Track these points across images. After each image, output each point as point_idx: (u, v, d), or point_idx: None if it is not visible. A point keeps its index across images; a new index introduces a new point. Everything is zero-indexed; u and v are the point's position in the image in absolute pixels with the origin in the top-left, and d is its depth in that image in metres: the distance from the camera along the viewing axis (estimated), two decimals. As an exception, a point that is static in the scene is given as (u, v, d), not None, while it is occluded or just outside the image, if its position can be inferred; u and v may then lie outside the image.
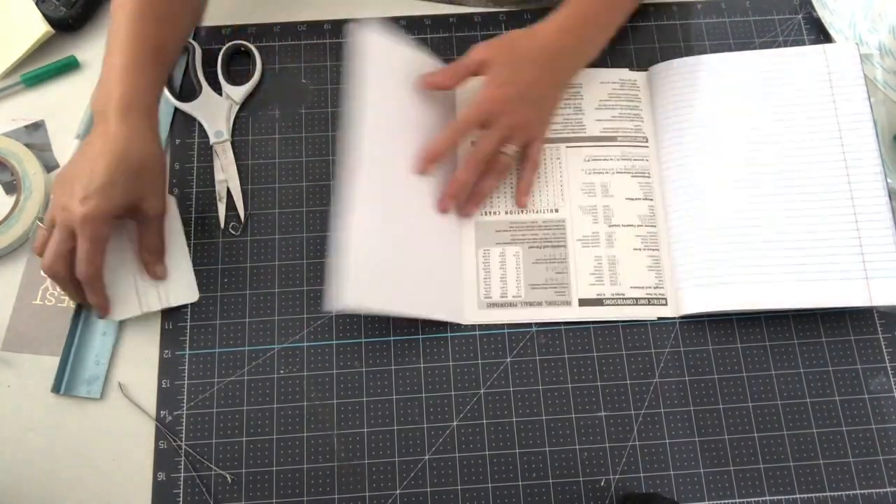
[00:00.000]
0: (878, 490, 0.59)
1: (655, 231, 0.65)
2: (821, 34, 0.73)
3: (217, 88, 0.69)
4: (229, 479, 0.59)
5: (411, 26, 0.72)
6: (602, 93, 0.69)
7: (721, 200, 0.64)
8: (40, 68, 0.70)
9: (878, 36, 0.71)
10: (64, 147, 0.67)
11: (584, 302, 0.63)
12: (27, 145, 0.67)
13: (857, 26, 0.72)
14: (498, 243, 0.65)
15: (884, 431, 0.61)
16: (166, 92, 0.68)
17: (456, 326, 0.63)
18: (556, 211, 0.66)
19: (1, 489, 0.59)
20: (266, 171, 0.67)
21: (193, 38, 0.71)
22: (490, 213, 0.66)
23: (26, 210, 0.65)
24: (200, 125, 0.68)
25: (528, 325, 0.63)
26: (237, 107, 0.69)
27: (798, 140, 0.65)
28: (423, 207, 0.63)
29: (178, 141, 0.68)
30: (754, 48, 0.71)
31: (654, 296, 0.63)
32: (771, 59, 0.68)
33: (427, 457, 0.60)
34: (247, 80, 0.69)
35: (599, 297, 0.63)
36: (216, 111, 0.68)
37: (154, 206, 0.60)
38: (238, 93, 0.69)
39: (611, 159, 0.67)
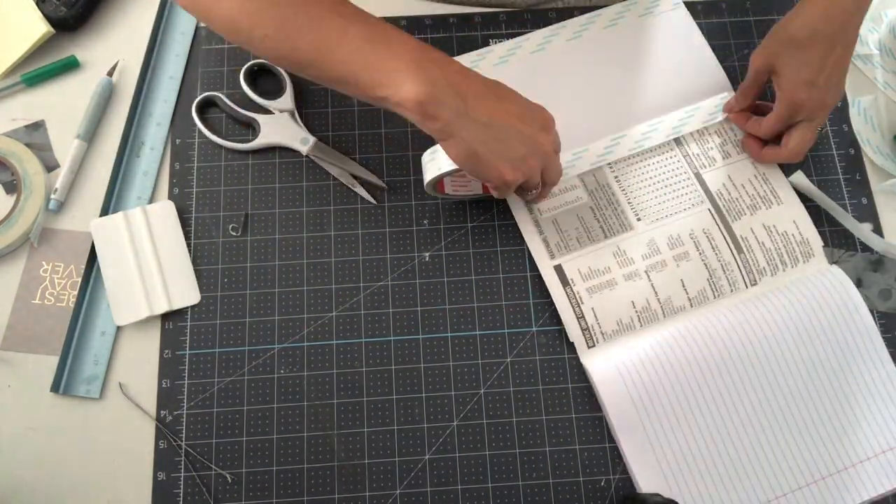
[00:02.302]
0: None
1: (660, 320, 0.62)
2: (821, 34, 0.73)
3: (265, 111, 0.68)
4: (229, 478, 0.59)
5: (411, 26, 0.72)
6: (782, 227, 0.65)
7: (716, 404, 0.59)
8: (40, 68, 0.70)
9: (878, 36, 0.71)
10: (64, 147, 0.67)
11: (558, 270, 0.63)
12: (27, 145, 0.67)
13: (857, 26, 0.72)
14: (581, 175, 0.66)
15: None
16: (230, 144, 0.67)
17: (456, 326, 0.63)
18: (639, 219, 0.65)
19: (0, 489, 0.59)
20: (266, 171, 0.67)
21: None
22: (615, 169, 0.66)
23: (26, 210, 0.65)
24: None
25: (529, 325, 0.63)
26: (295, 112, 0.68)
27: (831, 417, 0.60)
28: None
29: (178, 141, 0.68)
30: (755, 48, 0.71)
31: (594, 332, 0.61)
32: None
33: (427, 457, 0.60)
34: (281, 88, 0.68)
35: (571, 280, 0.63)
36: (286, 126, 0.67)
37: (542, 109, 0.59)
38: (286, 101, 0.67)
39: (716, 251, 0.64)
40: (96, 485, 0.59)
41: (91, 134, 0.68)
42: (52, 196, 0.65)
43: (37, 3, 0.69)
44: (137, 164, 0.67)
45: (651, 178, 0.66)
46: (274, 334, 0.63)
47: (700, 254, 0.64)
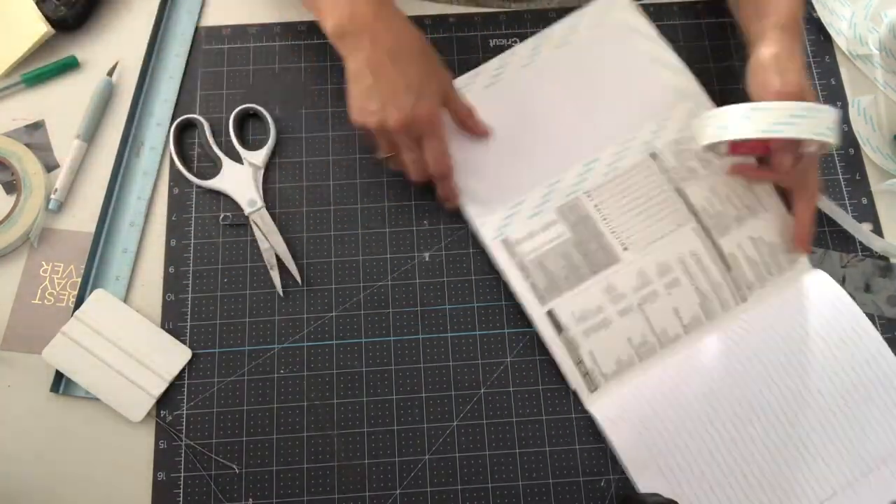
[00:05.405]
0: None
1: (657, 353, 0.60)
2: (821, 34, 0.73)
3: (235, 157, 0.67)
4: (236, 469, 0.59)
5: (411, 26, 0.72)
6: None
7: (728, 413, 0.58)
8: (40, 68, 0.70)
9: (878, 36, 0.71)
10: (64, 147, 0.67)
11: (551, 316, 0.60)
12: (27, 145, 0.67)
13: (857, 26, 0.72)
14: (559, 209, 0.63)
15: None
16: (185, 173, 0.66)
17: (456, 325, 0.63)
18: (626, 249, 0.62)
19: (0, 489, 0.59)
20: (266, 171, 0.67)
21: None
22: (593, 197, 0.63)
23: (26, 210, 0.65)
24: (224, 198, 0.66)
25: (529, 325, 0.63)
26: (262, 171, 0.66)
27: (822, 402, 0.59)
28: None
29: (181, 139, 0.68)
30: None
31: (594, 375, 0.60)
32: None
33: (427, 457, 0.60)
34: (263, 143, 0.67)
35: (565, 326, 0.60)
36: (242, 181, 0.66)
37: (447, 78, 0.62)
38: (259, 157, 0.66)
39: (705, 272, 0.61)
40: (96, 484, 0.59)
41: (91, 134, 0.68)
42: (52, 196, 0.65)
43: (37, 3, 0.69)
44: (137, 164, 0.68)
45: (632, 201, 0.63)
46: (274, 334, 0.63)
47: (690, 279, 0.61)
